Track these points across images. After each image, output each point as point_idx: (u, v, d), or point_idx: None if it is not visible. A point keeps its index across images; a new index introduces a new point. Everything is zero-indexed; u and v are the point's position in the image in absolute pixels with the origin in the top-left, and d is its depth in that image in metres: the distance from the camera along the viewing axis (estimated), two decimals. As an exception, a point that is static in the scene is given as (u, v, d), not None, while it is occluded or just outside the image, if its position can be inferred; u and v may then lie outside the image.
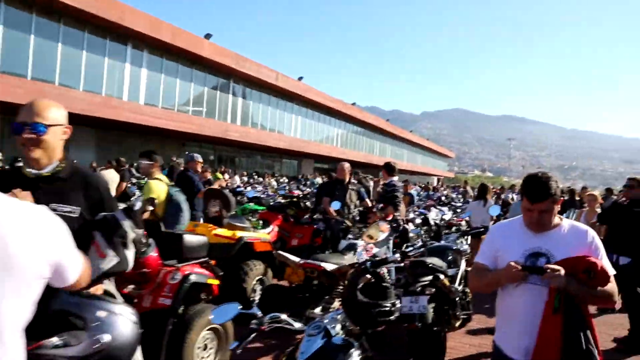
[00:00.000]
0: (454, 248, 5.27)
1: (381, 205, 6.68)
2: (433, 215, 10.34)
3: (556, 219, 2.18)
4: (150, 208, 3.42)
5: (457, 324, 4.95)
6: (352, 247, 5.03)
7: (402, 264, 3.78)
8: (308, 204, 8.63)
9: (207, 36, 24.62)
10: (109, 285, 2.17)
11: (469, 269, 3.43)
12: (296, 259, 4.43)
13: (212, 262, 3.98)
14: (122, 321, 1.82)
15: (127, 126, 21.29)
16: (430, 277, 3.87)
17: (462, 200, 17.93)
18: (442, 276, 3.98)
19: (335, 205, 6.52)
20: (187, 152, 8.76)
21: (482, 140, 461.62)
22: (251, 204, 9.31)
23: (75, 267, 1.42)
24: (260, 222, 7.38)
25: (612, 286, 2.10)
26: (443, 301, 4.14)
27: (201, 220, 6.15)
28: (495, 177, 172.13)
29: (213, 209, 5.34)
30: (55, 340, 1.62)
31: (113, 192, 7.40)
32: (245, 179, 21.68)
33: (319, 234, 7.12)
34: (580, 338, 1.99)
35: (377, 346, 3.20)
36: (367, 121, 44.54)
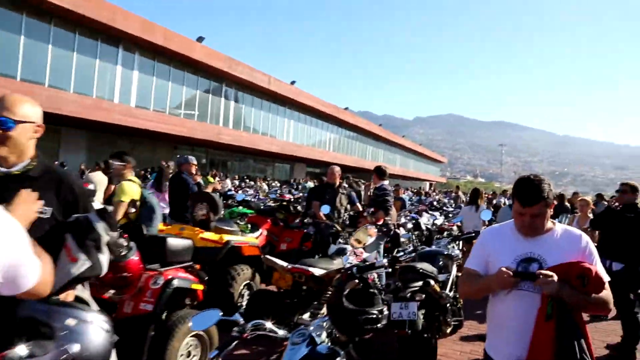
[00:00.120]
0: (445, 253, 5.20)
1: (372, 209, 6.60)
2: (425, 220, 10.29)
3: (549, 224, 2.12)
4: (133, 210, 3.34)
5: (448, 330, 4.87)
6: (341, 252, 4.92)
7: (390, 269, 3.70)
8: (299, 207, 8.55)
9: (200, 39, 24.54)
10: (82, 291, 2.06)
11: (460, 274, 3.36)
12: (284, 263, 4.33)
13: (197, 266, 3.89)
14: (94, 329, 1.72)
15: (118, 129, 21.12)
16: (420, 283, 3.80)
17: (454, 205, 17.94)
18: (432, 282, 3.91)
19: (325, 209, 6.44)
20: (178, 155, 8.66)
21: (474, 146, 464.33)
22: (240, 208, 9.20)
23: (31, 273, 1.32)
24: (249, 225, 7.27)
25: (607, 293, 2.03)
26: (434, 307, 4.07)
27: None
28: (487, 182, 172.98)
29: (200, 212, 5.24)
30: (19, 350, 1.52)
31: (101, 195, 7.28)
32: (237, 182, 21.56)
33: (308, 238, 7.03)
34: (574, 347, 1.91)
35: (366, 354, 3.12)
36: (359, 126, 44.62)
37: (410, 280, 3.82)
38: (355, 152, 46.05)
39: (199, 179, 9.70)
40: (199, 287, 3.65)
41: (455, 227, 9.70)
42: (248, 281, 5.25)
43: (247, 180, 24.01)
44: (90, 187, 6.22)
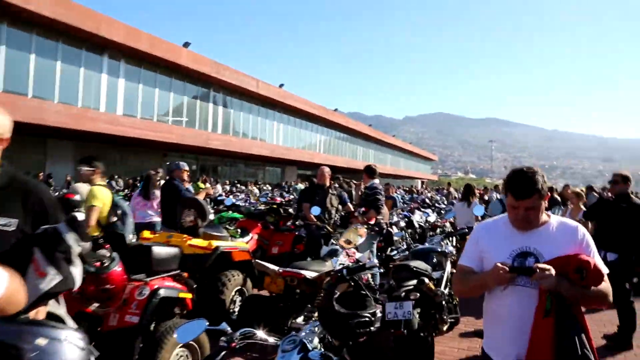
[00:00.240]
0: (439, 250, 5.13)
1: (363, 209, 6.51)
2: (417, 218, 10.25)
3: (544, 216, 2.04)
4: (115, 219, 3.23)
5: (445, 328, 4.79)
6: (334, 253, 4.85)
7: (382, 269, 3.62)
8: (290, 210, 8.43)
9: (186, 44, 24.34)
10: (56, 307, 1.94)
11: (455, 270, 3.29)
12: (275, 267, 4.24)
13: (185, 274, 3.78)
14: (68, 348, 1.59)
15: (106, 138, 20.86)
16: (414, 281, 3.73)
17: (446, 202, 17.93)
18: (426, 280, 3.84)
19: (315, 211, 6.33)
20: (167, 162, 8.51)
21: (464, 143, 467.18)
22: (229, 212, 9.05)
23: None
24: (239, 230, 7.14)
25: (606, 285, 1.96)
26: (429, 305, 3.99)
27: None
28: (478, 178, 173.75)
29: (188, 218, 5.12)
30: None
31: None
32: (228, 187, 21.40)
33: (300, 241, 6.94)
34: (574, 342, 1.83)
35: (361, 355, 3.04)
36: (349, 127, 44.61)
37: (404, 279, 3.75)
38: (345, 153, 46.02)
39: (188, 185, 9.56)
40: (188, 295, 3.55)
41: (447, 224, 9.66)
42: (239, 287, 5.14)
43: (238, 185, 23.86)
44: (77, 197, 6.07)
